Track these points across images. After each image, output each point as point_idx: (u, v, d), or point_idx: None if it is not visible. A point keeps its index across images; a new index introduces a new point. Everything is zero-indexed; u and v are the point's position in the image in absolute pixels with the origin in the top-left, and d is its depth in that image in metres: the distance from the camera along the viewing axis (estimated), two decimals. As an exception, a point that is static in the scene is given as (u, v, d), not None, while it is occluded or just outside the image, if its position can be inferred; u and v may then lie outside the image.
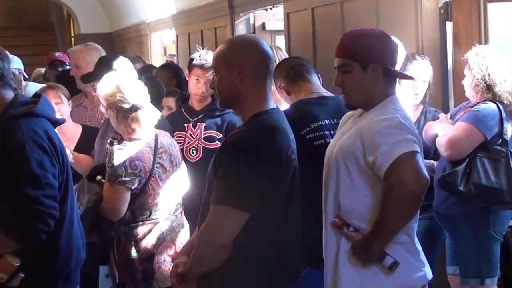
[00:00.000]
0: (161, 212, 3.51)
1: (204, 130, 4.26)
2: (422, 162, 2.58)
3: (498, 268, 3.89)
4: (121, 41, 12.10)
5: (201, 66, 4.26)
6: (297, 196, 2.62)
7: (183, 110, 4.40)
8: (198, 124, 4.30)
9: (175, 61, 8.61)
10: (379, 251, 2.58)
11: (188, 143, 4.27)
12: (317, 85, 3.64)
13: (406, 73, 3.60)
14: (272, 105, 2.58)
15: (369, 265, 2.61)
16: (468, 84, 3.83)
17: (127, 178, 3.35)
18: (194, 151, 4.25)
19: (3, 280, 2.67)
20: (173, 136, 4.03)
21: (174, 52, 9.22)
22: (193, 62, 4.32)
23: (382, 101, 2.69)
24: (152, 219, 3.49)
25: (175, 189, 3.61)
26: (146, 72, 5.33)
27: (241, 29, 7.01)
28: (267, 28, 7.18)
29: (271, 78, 2.60)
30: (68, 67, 6.61)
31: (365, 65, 2.66)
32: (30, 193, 2.60)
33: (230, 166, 2.43)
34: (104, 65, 4.28)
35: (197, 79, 4.28)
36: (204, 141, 4.24)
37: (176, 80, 5.67)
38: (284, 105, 3.74)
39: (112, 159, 3.37)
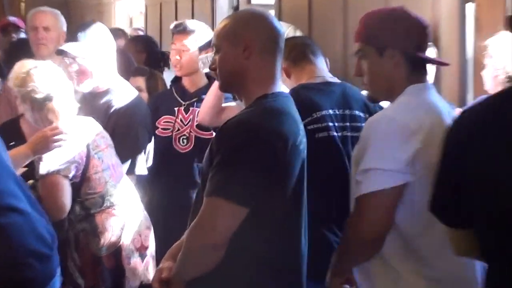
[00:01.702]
0: (116, 197, 3.33)
1: (198, 116, 3.81)
2: (394, 198, 2.29)
3: None
4: (78, 9, 11.58)
5: (175, 28, 3.92)
6: (304, 195, 2.37)
7: (174, 91, 4.00)
8: (191, 108, 3.88)
9: (142, 37, 8.15)
10: (339, 278, 2.48)
11: (178, 130, 3.87)
12: (322, 69, 3.45)
13: None
14: (279, 88, 2.41)
15: None
16: (488, 75, 3.55)
17: (61, 167, 3.18)
18: (185, 140, 3.85)
19: None
20: (158, 122, 3.85)
21: (141, 25, 8.65)
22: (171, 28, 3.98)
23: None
24: (108, 206, 3.31)
25: (120, 170, 3.44)
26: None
27: (222, 1, 6.59)
28: (253, 1, 6.77)
29: (281, 58, 2.41)
30: (23, 35, 6.20)
31: (381, 50, 2.48)
32: None
33: (228, 153, 2.22)
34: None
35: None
36: (197, 129, 3.83)
37: (146, 54, 5.24)
38: (283, 89, 3.46)
39: None
